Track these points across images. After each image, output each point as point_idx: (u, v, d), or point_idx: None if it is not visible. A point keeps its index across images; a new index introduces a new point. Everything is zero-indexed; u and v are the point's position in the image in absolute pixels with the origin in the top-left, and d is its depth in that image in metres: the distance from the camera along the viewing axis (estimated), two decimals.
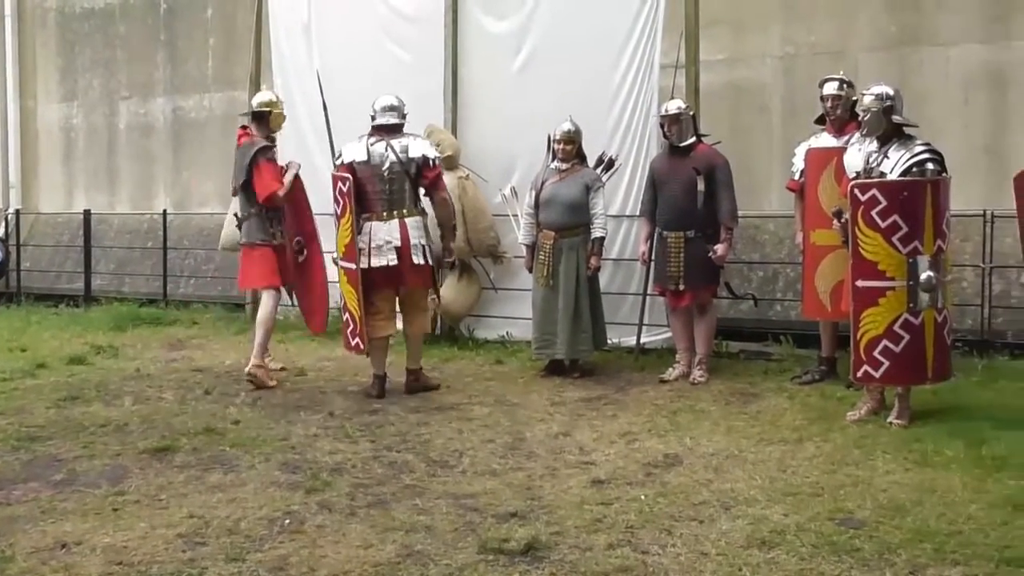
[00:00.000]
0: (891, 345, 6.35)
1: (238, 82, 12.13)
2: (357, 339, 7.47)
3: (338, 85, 9.34)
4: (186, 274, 12.85)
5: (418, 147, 7.55)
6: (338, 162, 7.66)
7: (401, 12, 9.93)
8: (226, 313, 11.29)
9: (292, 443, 6.28)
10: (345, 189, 7.37)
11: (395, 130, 7.57)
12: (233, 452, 6.06)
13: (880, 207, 6.25)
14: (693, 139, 7.94)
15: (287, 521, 4.89)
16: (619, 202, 8.87)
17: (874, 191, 6.30)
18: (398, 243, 7.40)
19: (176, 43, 13.59)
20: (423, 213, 7.59)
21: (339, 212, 7.48)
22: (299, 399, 7.49)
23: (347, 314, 7.54)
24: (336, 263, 7.61)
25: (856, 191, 6.33)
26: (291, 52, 10.54)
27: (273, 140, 8.29)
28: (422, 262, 7.49)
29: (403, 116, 7.64)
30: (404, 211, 7.46)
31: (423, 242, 7.50)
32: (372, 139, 7.53)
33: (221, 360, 8.98)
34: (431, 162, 7.50)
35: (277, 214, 8.15)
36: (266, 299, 8.12)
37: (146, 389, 7.80)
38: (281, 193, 8.03)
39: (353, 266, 7.37)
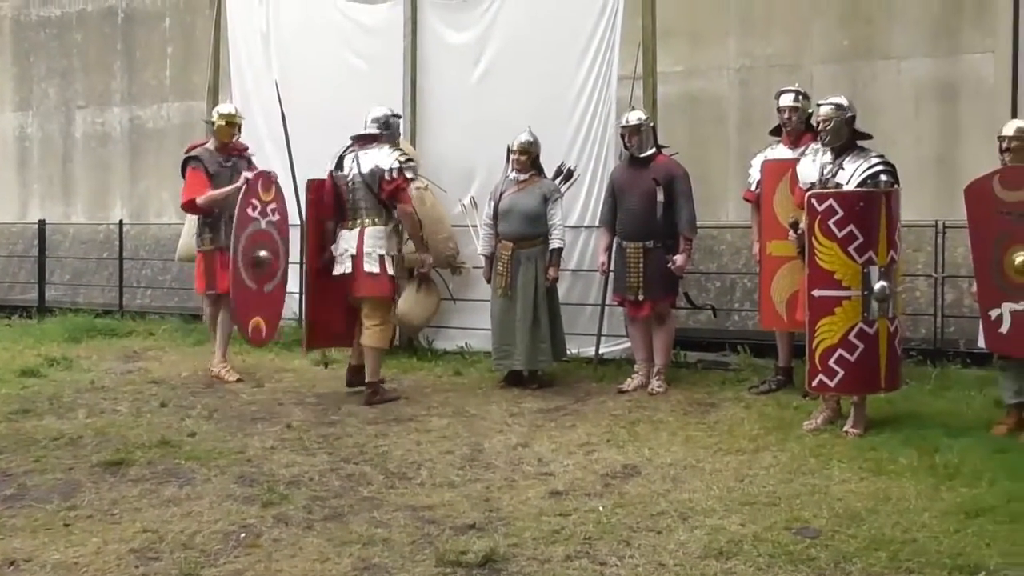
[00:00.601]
0: (846, 354, 6.40)
1: (196, 91, 12.07)
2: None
3: (297, 95, 9.32)
4: (143, 285, 12.75)
5: (378, 158, 7.58)
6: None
7: (360, 23, 9.92)
8: (183, 324, 11.20)
9: (248, 456, 6.23)
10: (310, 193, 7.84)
11: (372, 140, 7.69)
12: (189, 465, 6.00)
13: (837, 217, 6.32)
14: (653, 150, 7.98)
15: (243, 535, 4.85)
16: (578, 212, 8.89)
17: (831, 201, 6.36)
18: (354, 251, 7.53)
19: (133, 52, 13.50)
20: (388, 223, 7.62)
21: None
22: (256, 411, 7.44)
23: None
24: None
25: (813, 201, 6.39)
26: (249, 62, 10.49)
27: (230, 150, 8.49)
28: (375, 271, 7.52)
29: (385, 126, 7.75)
30: (367, 221, 7.56)
31: (380, 251, 7.53)
32: (349, 149, 7.68)
33: (178, 371, 8.90)
34: (386, 173, 7.52)
35: (210, 220, 8.38)
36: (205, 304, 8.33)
37: (100, 401, 7.71)
38: (200, 202, 8.29)
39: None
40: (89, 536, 4.83)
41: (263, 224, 8.33)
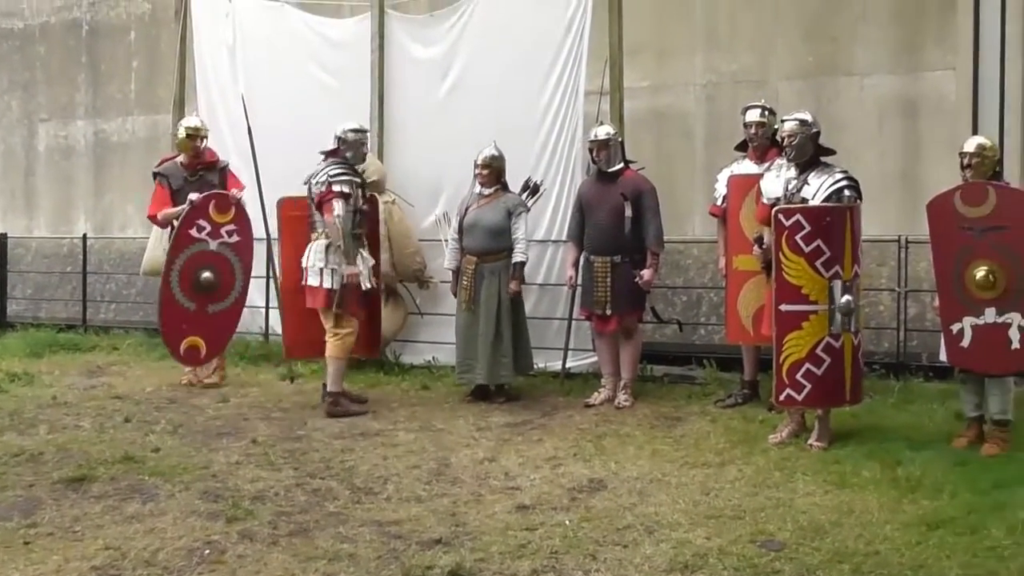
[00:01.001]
0: (813, 368, 6.46)
1: (161, 105, 11.99)
2: None
3: (263, 109, 9.30)
4: (107, 299, 12.63)
5: (318, 171, 7.79)
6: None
7: (327, 37, 9.91)
8: (148, 339, 11.08)
9: (213, 471, 6.19)
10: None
11: (331, 154, 7.85)
12: (152, 481, 5.96)
13: (804, 232, 6.39)
14: (621, 165, 8.02)
15: (207, 551, 4.82)
16: (544, 227, 8.91)
17: (798, 216, 6.42)
18: (304, 264, 7.77)
19: (98, 65, 13.39)
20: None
21: None
22: (221, 426, 7.40)
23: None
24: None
25: (781, 216, 6.45)
26: (215, 75, 10.45)
27: (195, 164, 8.61)
28: (315, 283, 7.72)
29: (341, 141, 7.86)
30: (317, 234, 7.78)
31: (320, 264, 7.67)
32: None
33: (142, 386, 8.83)
34: (317, 187, 7.75)
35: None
36: None
37: (63, 417, 7.64)
38: (159, 217, 8.56)
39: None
40: (50, 554, 4.78)
41: (212, 245, 8.42)
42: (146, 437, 7.01)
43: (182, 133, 8.65)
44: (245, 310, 9.01)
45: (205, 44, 10.53)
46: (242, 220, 8.43)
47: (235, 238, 8.39)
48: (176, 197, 8.50)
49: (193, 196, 8.34)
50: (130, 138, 13.14)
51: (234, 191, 8.59)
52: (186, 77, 10.69)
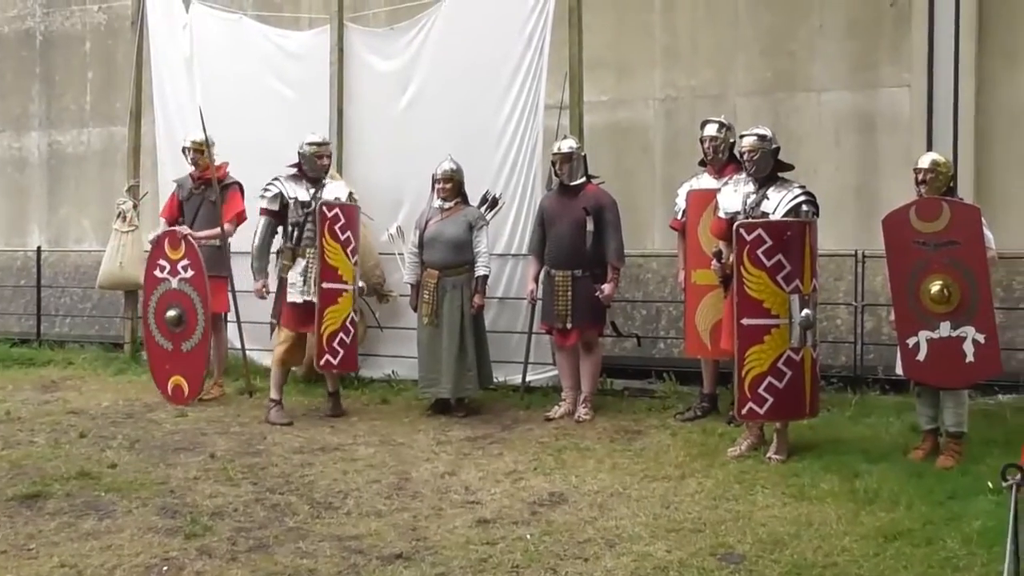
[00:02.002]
0: (775, 381, 6.51)
1: (117, 117, 11.91)
2: None
3: (221, 121, 9.22)
4: (61, 313, 12.48)
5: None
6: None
7: (286, 49, 9.87)
8: (103, 353, 10.98)
9: (171, 487, 6.13)
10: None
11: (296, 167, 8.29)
12: (109, 497, 5.89)
13: (766, 247, 6.44)
14: (583, 179, 8.04)
15: (165, 568, 4.78)
16: (505, 240, 8.91)
17: (760, 231, 6.47)
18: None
19: (53, 76, 13.26)
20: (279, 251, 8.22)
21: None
22: (179, 441, 7.33)
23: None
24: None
25: (742, 231, 6.49)
26: (173, 87, 10.38)
27: (198, 178, 8.86)
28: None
29: (299, 155, 8.22)
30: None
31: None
32: None
33: (98, 401, 8.72)
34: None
35: None
36: None
37: (16, 433, 7.53)
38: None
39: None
40: (3, 572, 4.71)
41: (174, 283, 8.46)
42: (102, 452, 6.94)
43: (190, 146, 8.85)
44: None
45: (162, 55, 10.46)
46: (193, 254, 8.41)
47: (190, 272, 8.39)
48: (184, 207, 8.85)
49: (151, 237, 8.74)
50: (85, 150, 13.01)
51: (181, 228, 8.59)
52: (143, 88, 10.63)
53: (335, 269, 8.01)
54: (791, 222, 6.62)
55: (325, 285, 7.96)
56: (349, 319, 8.10)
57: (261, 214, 8.16)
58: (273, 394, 8.07)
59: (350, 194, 8.35)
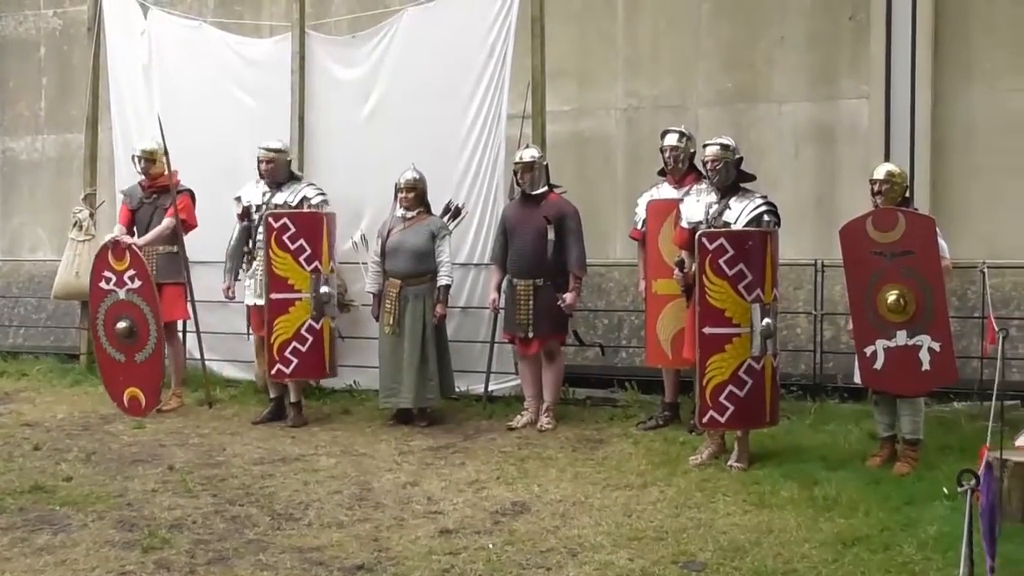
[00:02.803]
0: (736, 390, 6.55)
1: (73, 124, 11.76)
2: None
3: (180, 129, 9.15)
4: (15, 323, 12.30)
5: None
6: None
7: (246, 57, 9.80)
8: (59, 364, 10.83)
9: (128, 499, 6.06)
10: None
11: None
12: (64, 511, 5.82)
13: (728, 256, 6.48)
14: (545, 188, 8.05)
15: None
16: (467, 250, 8.90)
17: (722, 240, 6.51)
18: None
19: (6, 82, 13.06)
20: None
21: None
22: (137, 452, 7.25)
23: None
24: (332, 292, 8.26)
25: (704, 240, 6.52)
26: (131, 94, 10.26)
27: (149, 186, 8.80)
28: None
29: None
30: None
31: None
32: None
33: (53, 413, 8.62)
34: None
35: None
36: None
37: None
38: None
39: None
40: None
41: (122, 294, 8.37)
42: (57, 466, 6.84)
43: (140, 154, 8.77)
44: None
45: (119, 62, 10.35)
46: (139, 264, 8.33)
47: (137, 283, 8.30)
48: (135, 216, 8.74)
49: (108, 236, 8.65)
50: (40, 157, 12.84)
51: (118, 234, 8.54)
52: (99, 95, 10.52)
53: (284, 279, 8.01)
54: (752, 232, 6.67)
55: (273, 296, 8.00)
56: (305, 327, 8.06)
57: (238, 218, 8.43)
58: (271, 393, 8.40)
59: (321, 198, 8.37)
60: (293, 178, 8.56)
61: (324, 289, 8.15)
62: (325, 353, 8.23)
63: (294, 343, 8.04)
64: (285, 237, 7.98)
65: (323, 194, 8.46)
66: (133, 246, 8.37)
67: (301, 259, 8.03)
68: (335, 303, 8.32)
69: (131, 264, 8.31)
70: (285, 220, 8.02)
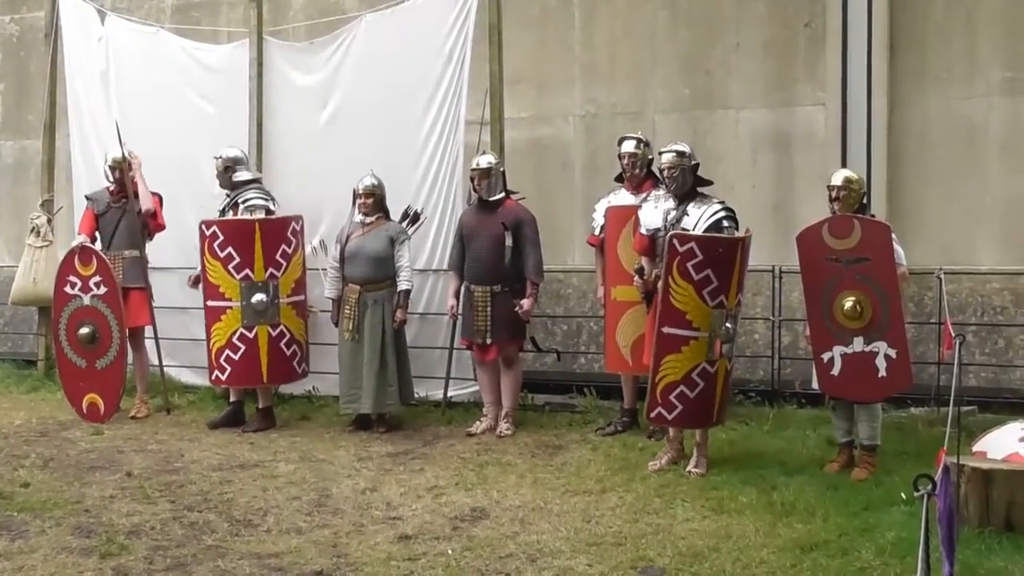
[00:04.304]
0: (687, 391, 6.58)
1: (31, 130, 11.64)
2: (304, 364, 8.44)
3: (139, 135, 9.08)
4: None
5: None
6: (261, 212, 8.31)
7: (204, 63, 9.74)
8: (16, 370, 10.72)
9: (86, 505, 6.03)
10: (299, 228, 8.29)
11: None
12: (21, 517, 5.78)
13: (696, 260, 6.45)
14: (502, 194, 8.07)
15: None
16: (426, 256, 8.89)
17: (692, 244, 6.48)
18: None
19: None
20: None
21: (292, 250, 8.23)
22: (95, 459, 7.21)
23: (295, 345, 8.27)
24: (267, 300, 8.10)
25: (675, 241, 6.50)
26: (88, 100, 10.17)
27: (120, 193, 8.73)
28: None
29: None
30: None
31: None
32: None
33: (10, 420, 8.53)
34: None
35: None
36: None
37: None
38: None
39: (303, 297, 8.38)
40: None
41: (86, 300, 8.34)
42: (15, 472, 6.79)
43: (110, 163, 8.72)
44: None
45: (77, 68, 10.26)
46: (105, 270, 8.30)
47: (103, 289, 8.26)
48: (101, 221, 8.70)
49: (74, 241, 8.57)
50: None
51: (81, 239, 8.51)
52: (57, 101, 10.43)
53: (216, 287, 8.09)
54: (723, 239, 6.66)
55: (209, 303, 8.10)
56: (237, 335, 8.06)
57: None
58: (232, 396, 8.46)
59: (261, 202, 8.36)
60: (248, 183, 8.51)
61: (257, 297, 8.08)
62: (261, 361, 8.15)
63: (227, 351, 8.09)
64: (215, 245, 8.03)
65: (265, 198, 8.42)
66: (100, 252, 8.38)
67: (230, 267, 8.05)
68: (275, 311, 8.14)
69: (97, 270, 8.26)
70: (215, 228, 8.07)
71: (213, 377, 8.21)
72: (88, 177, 9.78)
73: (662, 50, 9.94)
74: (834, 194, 6.80)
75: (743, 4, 9.62)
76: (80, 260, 8.32)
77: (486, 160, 8.06)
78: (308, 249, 9.04)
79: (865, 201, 7.07)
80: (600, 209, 8.09)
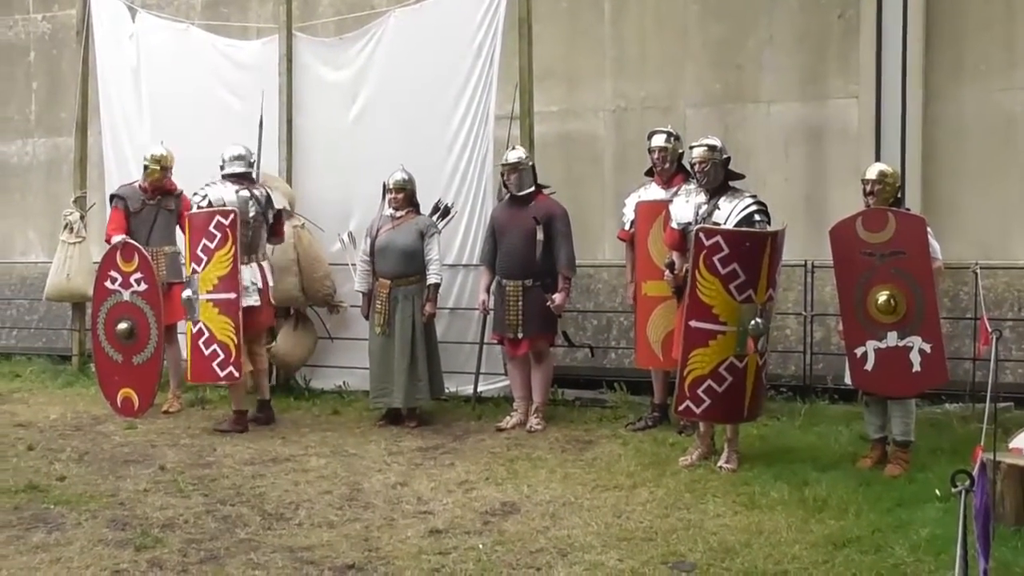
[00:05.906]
0: (715, 385, 6.54)
1: (64, 127, 11.74)
2: (231, 368, 7.71)
3: (169, 131, 9.15)
4: (7, 325, 12.29)
5: (277, 199, 8.20)
6: (204, 203, 7.89)
7: (234, 59, 9.80)
8: (51, 365, 10.83)
9: (121, 499, 6.07)
10: (228, 222, 7.70)
11: (249, 178, 8.09)
12: (58, 510, 5.83)
13: (722, 254, 6.41)
14: (532, 189, 8.06)
15: None
16: (456, 251, 8.91)
17: (719, 238, 6.45)
18: (260, 285, 7.97)
19: None
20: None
21: (216, 245, 7.74)
22: (129, 453, 7.26)
23: (215, 345, 7.72)
24: (193, 296, 7.81)
25: (701, 235, 6.48)
26: (119, 97, 10.26)
27: (156, 190, 8.72)
28: (274, 303, 8.33)
29: (250, 165, 8.11)
30: (261, 255, 8.10)
31: (272, 284, 8.18)
32: (236, 186, 7.98)
33: (46, 414, 8.61)
34: (282, 214, 8.36)
35: None
36: None
37: None
38: (111, 242, 8.51)
39: (233, 295, 7.71)
40: None
41: (126, 296, 8.36)
42: (51, 465, 6.85)
43: (154, 164, 8.65)
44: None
45: (108, 65, 10.35)
46: (147, 267, 8.32)
47: (143, 286, 8.29)
48: (134, 219, 8.60)
49: (116, 239, 8.45)
50: (31, 161, 12.84)
51: (120, 237, 8.46)
52: (89, 99, 10.51)
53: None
54: (751, 233, 6.61)
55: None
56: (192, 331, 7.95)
57: None
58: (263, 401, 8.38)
59: (196, 197, 8.15)
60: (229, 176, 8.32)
61: (186, 293, 7.91)
62: (188, 358, 8.04)
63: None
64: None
65: (198, 193, 8.07)
66: (142, 249, 8.36)
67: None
68: (195, 306, 7.83)
69: (139, 266, 8.30)
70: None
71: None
72: (119, 174, 9.86)
73: (693, 44, 9.90)
74: (869, 188, 6.74)
75: None
76: (122, 256, 8.35)
77: (515, 155, 8.05)
78: (337, 243, 9.09)
79: (900, 195, 6.99)
80: (630, 204, 8.06)
